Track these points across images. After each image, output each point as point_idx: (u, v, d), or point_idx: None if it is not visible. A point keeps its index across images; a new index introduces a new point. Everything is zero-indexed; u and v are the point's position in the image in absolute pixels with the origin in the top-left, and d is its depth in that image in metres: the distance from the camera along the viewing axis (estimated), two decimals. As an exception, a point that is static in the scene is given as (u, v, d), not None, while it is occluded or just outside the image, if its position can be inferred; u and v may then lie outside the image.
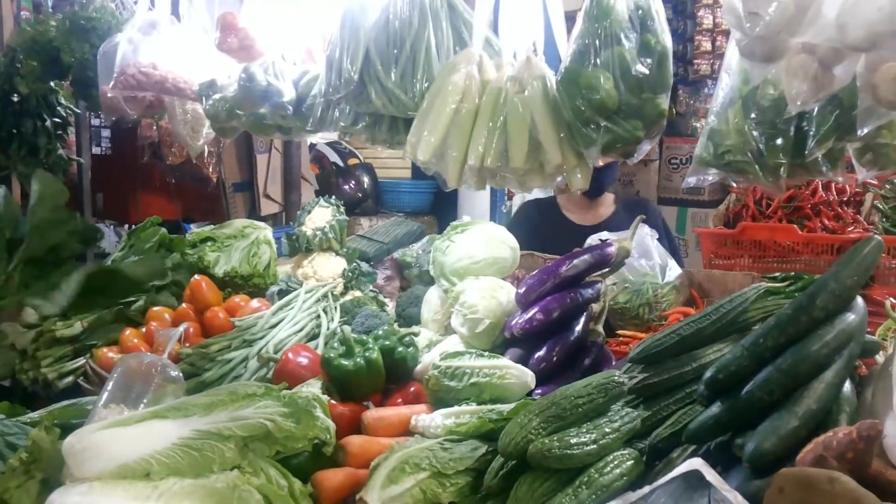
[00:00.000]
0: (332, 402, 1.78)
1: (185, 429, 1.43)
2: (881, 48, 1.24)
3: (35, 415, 1.83)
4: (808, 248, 2.52)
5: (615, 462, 1.45)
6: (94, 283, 1.43)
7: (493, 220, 4.87)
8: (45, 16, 3.41)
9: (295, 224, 2.93)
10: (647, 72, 1.66)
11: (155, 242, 2.79)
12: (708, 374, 1.53)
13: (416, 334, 2.10)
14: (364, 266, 2.71)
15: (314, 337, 2.26)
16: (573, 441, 1.43)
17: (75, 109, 3.55)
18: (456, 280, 2.29)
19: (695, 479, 1.32)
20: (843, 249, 2.39)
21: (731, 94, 1.62)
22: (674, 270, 2.39)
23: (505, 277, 2.35)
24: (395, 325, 2.32)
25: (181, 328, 2.15)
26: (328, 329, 2.28)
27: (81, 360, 2.36)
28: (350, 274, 2.66)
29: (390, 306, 2.56)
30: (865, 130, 1.38)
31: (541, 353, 1.95)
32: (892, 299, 1.98)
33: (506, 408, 1.67)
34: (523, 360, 1.94)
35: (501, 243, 2.40)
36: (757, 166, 1.58)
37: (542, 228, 3.20)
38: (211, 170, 4.76)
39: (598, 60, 1.68)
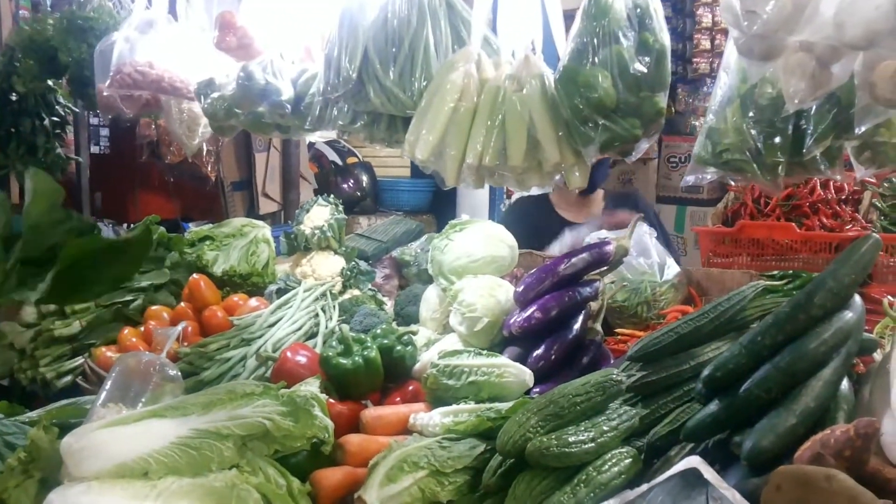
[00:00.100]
0: (331, 400, 1.77)
1: (184, 428, 1.43)
2: (879, 46, 1.24)
3: (33, 414, 1.83)
4: (807, 247, 2.52)
5: (613, 460, 1.46)
6: (66, 259, 1.41)
7: (491, 218, 4.85)
8: (43, 14, 3.41)
9: (293, 223, 2.93)
10: (645, 70, 1.67)
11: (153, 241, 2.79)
12: (706, 372, 1.53)
13: (414, 333, 2.10)
14: (363, 265, 2.71)
15: (313, 336, 2.26)
16: (571, 439, 1.43)
17: (74, 108, 3.54)
18: (454, 278, 2.29)
19: (693, 477, 1.32)
20: (841, 248, 2.40)
21: (729, 92, 1.62)
22: (672, 269, 2.39)
23: (503, 276, 2.35)
24: (394, 324, 2.31)
25: (179, 327, 2.15)
26: (326, 328, 2.28)
27: (80, 360, 2.36)
28: (348, 272, 2.66)
29: (389, 305, 2.56)
30: (863, 128, 1.38)
31: (539, 351, 1.95)
32: (889, 297, 1.98)
33: (504, 406, 1.67)
34: (522, 359, 1.94)
35: (500, 242, 2.40)
36: (755, 165, 1.58)
37: (534, 224, 3.20)
38: (209, 169, 4.76)
39: (596, 59, 1.69)
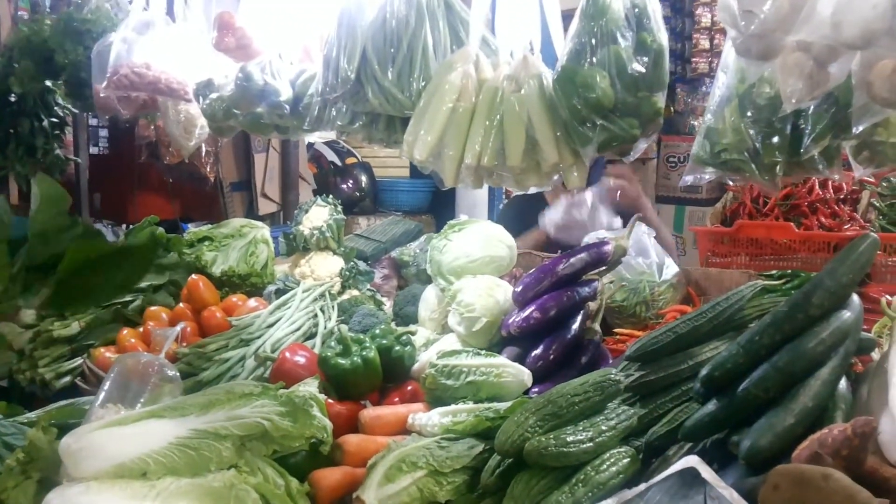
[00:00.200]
0: (330, 401, 1.78)
1: (182, 428, 1.43)
2: (876, 45, 1.24)
3: (32, 415, 1.83)
4: (805, 246, 2.52)
5: (611, 460, 1.46)
6: (69, 266, 1.41)
7: (490, 218, 4.84)
8: (40, 16, 3.41)
9: (292, 223, 2.93)
10: (643, 70, 1.67)
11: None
12: (704, 371, 1.53)
13: (413, 333, 2.10)
14: (361, 265, 2.71)
15: (311, 336, 2.26)
16: (569, 439, 1.43)
17: (72, 109, 3.54)
18: (453, 279, 2.29)
19: (691, 476, 1.32)
20: (839, 247, 2.39)
21: (727, 92, 1.62)
22: (671, 268, 2.39)
23: (502, 276, 2.35)
24: (393, 324, 2.32)
25: (178, 328, 2.15)
26: (325, 328, 2.28)
27: (79, 360, 2.36)
28: (347, 273, 2.66)
29: (387, 305, 2.56)
30: (861, 128, 1.38)
31: (538, 351, 1.95)
32: (887, 297, 1.97)
33: (502, 406, 1.67)
34: (520, 359, 1.94)
35: (499, 242, 2.40)
36: (753, 164, 1.58)
37: (530, 222, 3.20)
38: (209, 169, 4.77)
39: (594, 59, 1.69)
